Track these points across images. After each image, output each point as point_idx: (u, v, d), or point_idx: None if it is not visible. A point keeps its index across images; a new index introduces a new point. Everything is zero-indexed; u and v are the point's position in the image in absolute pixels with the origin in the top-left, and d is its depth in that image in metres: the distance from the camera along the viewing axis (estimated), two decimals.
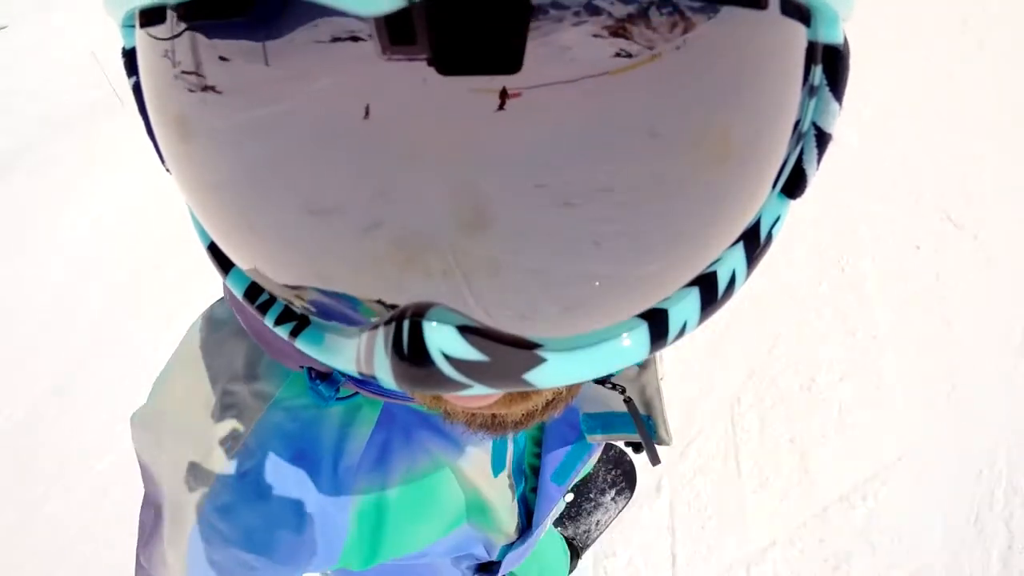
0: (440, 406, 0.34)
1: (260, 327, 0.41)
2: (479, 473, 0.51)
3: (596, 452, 0.61)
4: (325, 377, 0.41)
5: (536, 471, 0.60)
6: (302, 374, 0.42)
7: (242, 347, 0.44)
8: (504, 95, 0.18)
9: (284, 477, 0.42)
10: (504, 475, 0.54)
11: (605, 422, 0.54)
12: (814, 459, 1.44)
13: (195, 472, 0.42)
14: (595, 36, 0.18)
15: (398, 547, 0.49)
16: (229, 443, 0.42)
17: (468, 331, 0.20)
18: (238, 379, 0.43)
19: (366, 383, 0.41)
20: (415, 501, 0.48)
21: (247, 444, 0.42)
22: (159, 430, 0.45)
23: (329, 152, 0.20)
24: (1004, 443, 1.38)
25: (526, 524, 0.62)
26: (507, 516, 0.56)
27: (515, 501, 0.57)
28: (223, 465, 0.42)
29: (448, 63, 0.17)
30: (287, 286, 0.24)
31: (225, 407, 0.43)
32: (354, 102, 0.19)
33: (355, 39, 0.18)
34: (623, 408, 0.53)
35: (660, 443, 0.54)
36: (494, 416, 0.34)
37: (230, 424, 0.42)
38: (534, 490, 0.61)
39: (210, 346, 0.45)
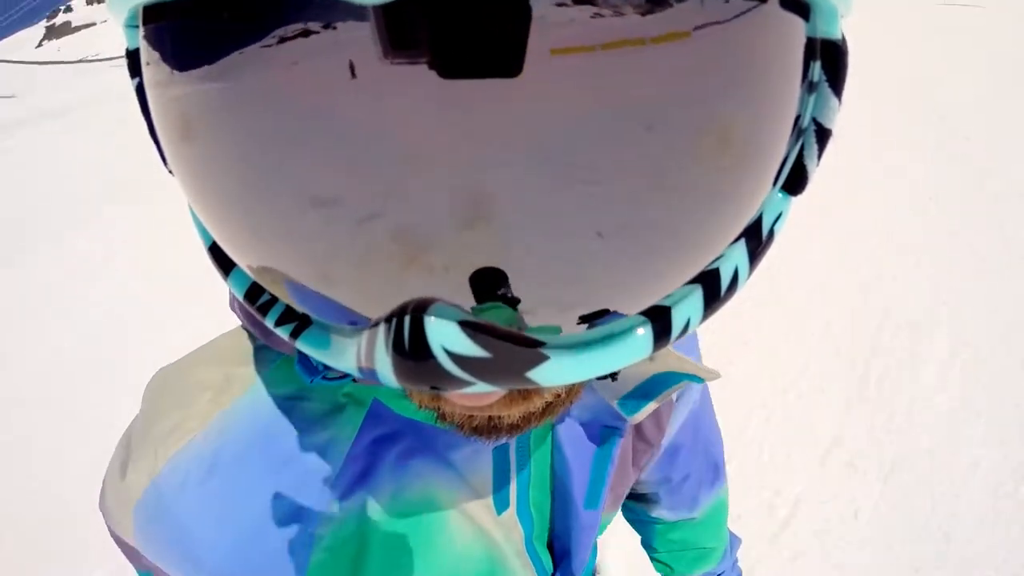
0: (437, 406, 0.33)
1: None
2: (481, 509, 0.44)
3: (617, 469, 0.54)
4: None
5: (546, 514, 0.52)
6: (289, 358, 0.40)
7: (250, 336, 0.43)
8: (503, 95, 0.18)
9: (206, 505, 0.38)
10: (508, 514, 0.47)
11: (643, 392, 0.50)
12: None
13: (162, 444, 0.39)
14: (593, 34, 0.18)
15: None
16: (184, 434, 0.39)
17: (470, 327, 0.20)
18: (235, 363, 0.42)
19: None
20: (406, 542, 0.40)
21: (195, 445, 0.38)
22: (163, 388, 0.43)
23: (331, 151, 0.20)
24: None
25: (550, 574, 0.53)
26: (518, 565, 0.47)
27: (524, 547, 0.49)
28: (166, 457, 0.38)
29: (448, 67, 0.17)
30: (288, 285, 0.24)
31: (210, 387, 0.41)
32: (356, 102, 0.19)
33: (356, 38, 0.18)
34: (650, 373, 0.49)
35: (710, 380, 0.52)
36: (490, 418, 0.34)
37: (202, 406, 0.40)
38: (545, 541, 0.53)
39: (235, 334, 0.45)
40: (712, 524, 0.82)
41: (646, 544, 0.87)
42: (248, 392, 0.40)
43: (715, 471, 0.78)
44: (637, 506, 0.80)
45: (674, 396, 0.58)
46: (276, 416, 0.39)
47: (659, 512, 0.79)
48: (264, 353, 0.42)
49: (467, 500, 0.43)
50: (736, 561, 0.90)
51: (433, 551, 0.41)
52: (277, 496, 0.38)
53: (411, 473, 0.41)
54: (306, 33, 0.18)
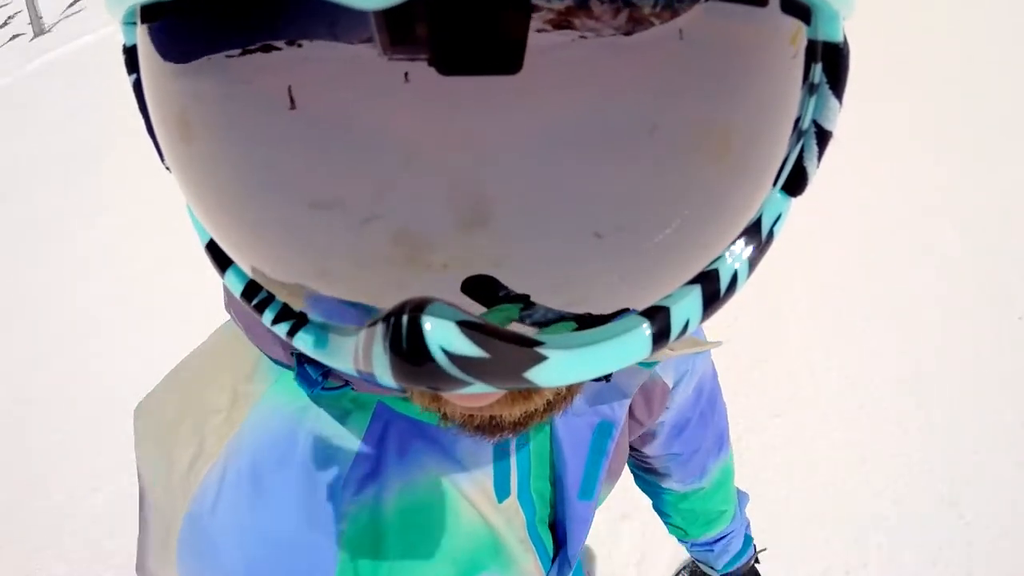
0: (438, 407, 0.33)
1: (253, 322, 0.40)
2: (483, 498, 0.46)
3: (613, 456, 0.55)
4: (313, 360, 0.39)
5: (548, 499, 0.53)
6: (291, 371, 0.41)
7: (251, 346, 0.43)
8: (504, 92, 0.18)
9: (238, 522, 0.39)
10: (510, 502, 0.48)
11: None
12: None
13: (188, 476, 0.40)
14: (594, 33, 0.18)
15: None
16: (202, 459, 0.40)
17: (468, 327, 0.20)
18: (241, 379, 0.42)
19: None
20: (418, 526, 0.43)
21: (217, 467, 0.40)
22: (159, 422, 0.43)
23: (329, 148, 0.20)
24: None
25: (551, 559, 0.54)
26: (520, 551, 0.49)
27: (526, 532, 0.50)
28: (194, 488, 0.40)
29: (448, 63, 0.17)
30: (285, 283, 0.24)
31: (222, 408, 0.42)
32: (354, 99, 0.19)
33: (354, 36, 0.18)
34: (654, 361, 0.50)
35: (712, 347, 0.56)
36: (492, 418, 0.34)
37: (218, 427, 0.41)
38: (547, 522, 0.54)
39: (232, 341, 0.45)
40: (721, 489, 0.87)
41: (658, 510, 0.93)
42: (256, 409, 0.41)
43: (720, 441, 0.83)
44: (649, 477, 0.86)
45: (670, 382, 0.62)
46: (285, 429, 0.41)
47: (670, 484, 0.84)
48: (266, 365, 0.43)
49: (470, 490, 0.45)
50: (744, 516, 0.97)
51: (443, 533, 0.44)
52: (298, 504, 0.40)
53: (416, 467, 0.43)
54: (303, 32, 0.18)
